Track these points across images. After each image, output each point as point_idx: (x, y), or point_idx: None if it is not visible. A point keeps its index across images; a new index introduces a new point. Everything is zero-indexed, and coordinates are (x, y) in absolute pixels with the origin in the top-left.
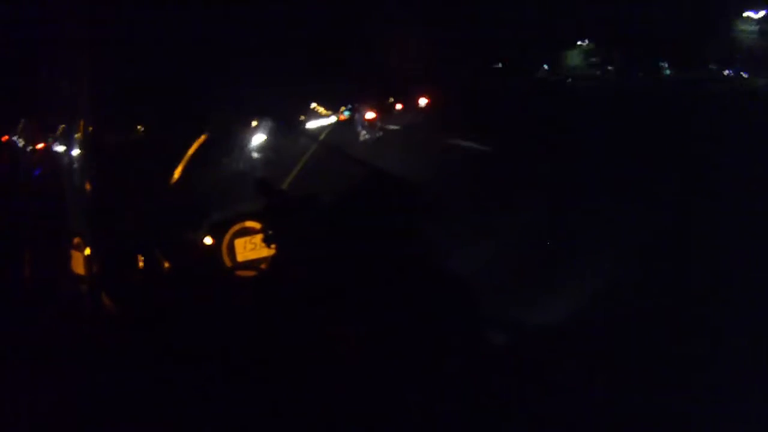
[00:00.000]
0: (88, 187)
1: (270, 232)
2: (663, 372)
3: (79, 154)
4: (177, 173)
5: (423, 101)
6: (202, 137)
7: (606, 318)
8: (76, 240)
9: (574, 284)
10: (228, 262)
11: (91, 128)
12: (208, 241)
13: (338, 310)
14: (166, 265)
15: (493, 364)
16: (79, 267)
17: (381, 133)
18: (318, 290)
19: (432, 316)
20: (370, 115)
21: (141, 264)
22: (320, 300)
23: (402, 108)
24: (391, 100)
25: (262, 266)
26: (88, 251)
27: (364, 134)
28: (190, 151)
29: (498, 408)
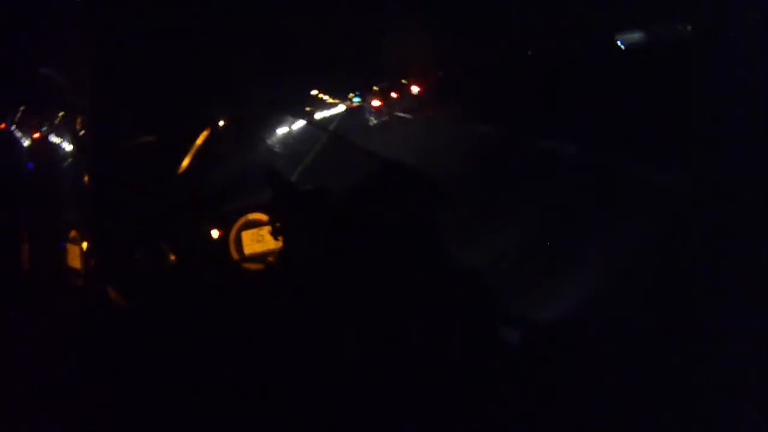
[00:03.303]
0: (87, 180)
1: (278, 224)
2: (663, 372)
3: (79, 147)
4: (184, 164)
5: (415, 89)
6: (207, 130)
7: (607, 318)
8: (72, 233)
9: (576, 284)
10: (235, 255)
11: (90, 120)
12: (215, 233)
13: (344, 303)
14: (173, 257)
15: (494, 363)
16: (75, 261)
17: (386, 118)
18: (324, 284)
19: (435, 311)
20: (376, 103)
21: (143, 257)
22: (326, 293)
23: (398, 96)
24: (404, 81)
25: (270, 259)
26: (85, 245)
27: (372, 120)
28: (197, 142)
29: (498, 407)
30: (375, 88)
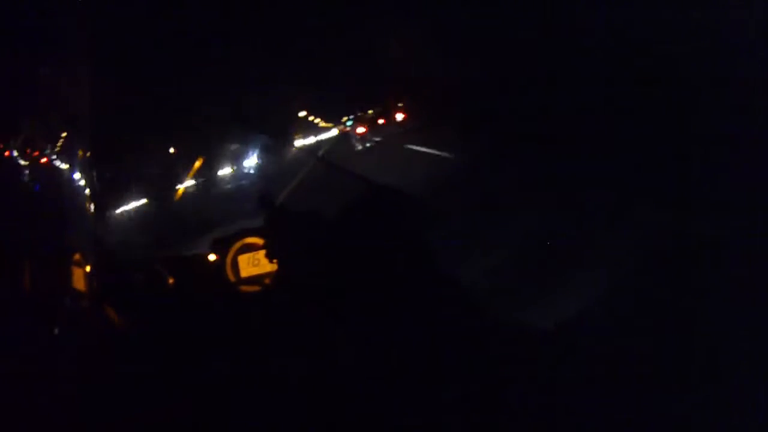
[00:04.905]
0: (89, 202)
1: (273, 247)
2: (664, 372)
3: (81, 170)
4: (180, 191)
5: (400, 116)
6: (201, 158)
7: (607, 319)
8: (77, 256)
9: (576, 286)
10: (232, 278)
11: (92, 145)
12: (211, 257)
13: (341, 324)
14: (170, 281)
15: (494, 366)
16: (80, 283)
17: (369, 144)
18: (321, 304)
19: (433, 326)
20: (360, 129)
21: (144, 280)
22: (323, 313)
23: (384, 122)
24: (400, 104)
25: (266, 281)
26: (88, 267)
27: (357, 146)
28: (194, 168)
29: (498, 409)
30: (370, 112)
